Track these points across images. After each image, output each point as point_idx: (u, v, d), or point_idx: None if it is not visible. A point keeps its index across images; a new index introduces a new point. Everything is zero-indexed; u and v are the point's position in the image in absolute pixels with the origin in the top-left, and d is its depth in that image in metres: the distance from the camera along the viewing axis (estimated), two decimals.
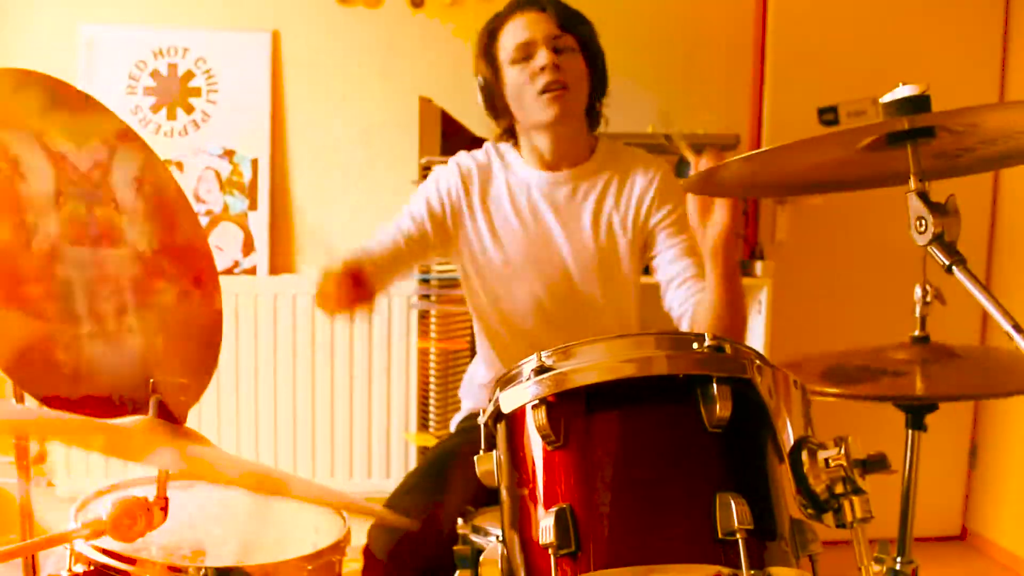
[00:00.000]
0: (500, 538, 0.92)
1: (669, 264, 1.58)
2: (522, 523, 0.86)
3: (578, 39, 1.55)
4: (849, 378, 1.35)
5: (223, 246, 2.68)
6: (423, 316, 2.49)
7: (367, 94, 2.71)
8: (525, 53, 1.52)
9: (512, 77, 1.54)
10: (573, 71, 1.53)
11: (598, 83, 1.60)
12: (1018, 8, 2.83)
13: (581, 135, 1.63)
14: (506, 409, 0.89)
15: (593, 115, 1.64)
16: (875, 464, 0.86)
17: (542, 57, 1.50)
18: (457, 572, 0.99)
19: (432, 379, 2.47)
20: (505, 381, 0.91)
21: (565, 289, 1.61)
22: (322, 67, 2.70)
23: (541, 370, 0.86)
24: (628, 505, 0.80)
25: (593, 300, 1.62)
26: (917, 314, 1.37)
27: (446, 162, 1.68)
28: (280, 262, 2.72)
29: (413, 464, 2.55)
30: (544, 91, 1.50)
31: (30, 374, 0.92)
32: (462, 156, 1.68)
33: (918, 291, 1.36)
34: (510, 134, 1.66)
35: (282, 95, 2.70)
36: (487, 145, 1.69)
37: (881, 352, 1.40)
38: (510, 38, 1.54)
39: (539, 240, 1.61)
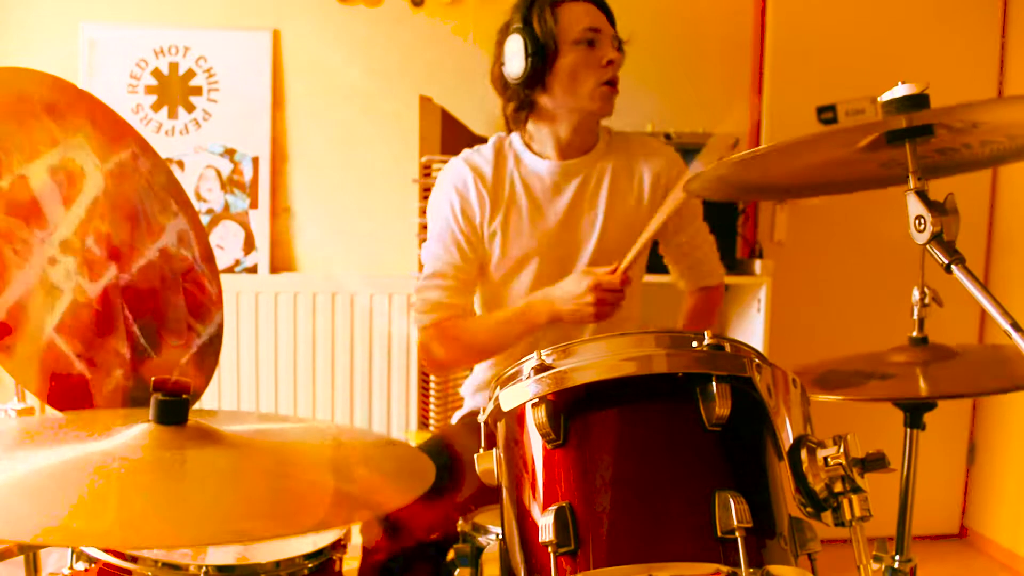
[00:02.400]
0: (500, 536, 0.92)
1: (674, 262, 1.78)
2: (522, 521, 0.86)
3: (621, 46, 1.60)
4: (848, 383, 1.35)
5: (224, 245, 2.68)
6: None
7: (367, 92, 2.71)
8: (590, 38, 1.53)
9: (574, 57, 1.53)
10: (618, 73, 1.58)
11: None
12: (1016, 8, 2.83)
13: (597, 125, 1.65)
14: (506, 407, 0.89)
15: None
16: (874, 462, 0.86)
17: (611, 52, 1.54)
18: (458, 571, 0.99)
19: (432, 378, 2.47)
20: (505, 379, 0.91)
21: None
22: (322, 66, 2.70)
23: (541, 368, 0.86)
24: (627, 503, 0.80)
25: None
26: (915, 316, 1.37)
27: (446, 161, 1.66)
28: (281, 261, 2.72)
29: None
30: (606, 83, 1.54)
31: None
32: (472, 156, 1.63)
33: (916, 293, 1.36)
34: (526, 110, 1.60)
35: (283, 94, 2.70)
36: (493, 139, 1.66)
37: (880, 357, 1.40)
38: (577, 18, 1.53)
39: (554, 232, 1.60)
